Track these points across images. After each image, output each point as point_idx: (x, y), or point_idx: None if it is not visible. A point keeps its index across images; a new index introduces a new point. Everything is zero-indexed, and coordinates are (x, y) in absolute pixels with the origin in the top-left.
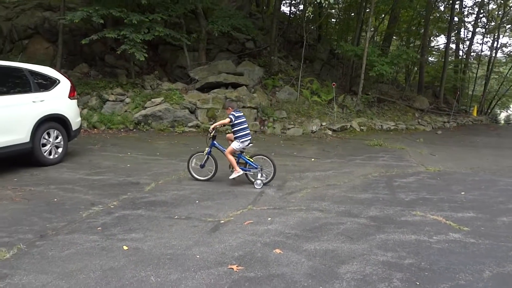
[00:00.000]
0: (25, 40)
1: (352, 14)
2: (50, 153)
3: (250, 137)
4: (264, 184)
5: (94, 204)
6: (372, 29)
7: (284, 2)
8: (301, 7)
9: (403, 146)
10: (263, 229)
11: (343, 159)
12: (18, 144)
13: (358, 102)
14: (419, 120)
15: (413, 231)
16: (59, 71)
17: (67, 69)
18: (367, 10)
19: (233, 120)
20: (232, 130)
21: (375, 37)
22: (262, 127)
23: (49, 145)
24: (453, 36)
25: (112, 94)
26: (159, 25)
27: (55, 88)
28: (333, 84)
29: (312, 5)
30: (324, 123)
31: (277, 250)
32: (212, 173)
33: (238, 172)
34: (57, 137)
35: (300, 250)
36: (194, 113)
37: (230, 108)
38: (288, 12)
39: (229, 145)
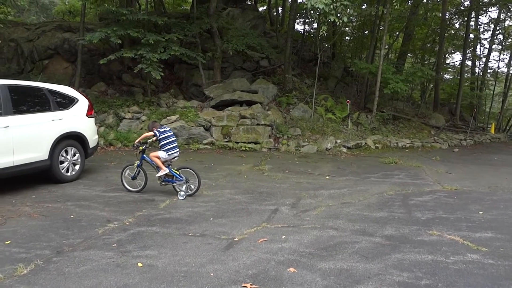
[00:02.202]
0: (45, 60)
1: (366, 32)
2: (67, 170)
3: (177, 150)
4: (189, 195)
5: (109, 220)
6: (386, 46)
7: (298, 20)
8: (315, 25)
9: (419, 164)
10: (277, 247)
11: (358, 177)
12: (37, 161)
13: (372, 119)
14: (435, 137)
15: (429, 251)
16: (77, 90)
17: (85, 88)
18: (381, 28)
19: (158, 135)
20: (159, 144)
21: (390, 55)
22: (276, 145)
23: (66, 162)
24: (469, 53)
25: (129, 112)
26: (175, 45)
27: (73, 106)
28: (348, 102)
29: (326, 24)
30: (338, 141)
31: (291, 269)
32: (142, 185)
33: (164, 170)
34: (74, 155)
35: (315, 269)
36: (209, 131)
37: (154, 128)
38: (302, 31)
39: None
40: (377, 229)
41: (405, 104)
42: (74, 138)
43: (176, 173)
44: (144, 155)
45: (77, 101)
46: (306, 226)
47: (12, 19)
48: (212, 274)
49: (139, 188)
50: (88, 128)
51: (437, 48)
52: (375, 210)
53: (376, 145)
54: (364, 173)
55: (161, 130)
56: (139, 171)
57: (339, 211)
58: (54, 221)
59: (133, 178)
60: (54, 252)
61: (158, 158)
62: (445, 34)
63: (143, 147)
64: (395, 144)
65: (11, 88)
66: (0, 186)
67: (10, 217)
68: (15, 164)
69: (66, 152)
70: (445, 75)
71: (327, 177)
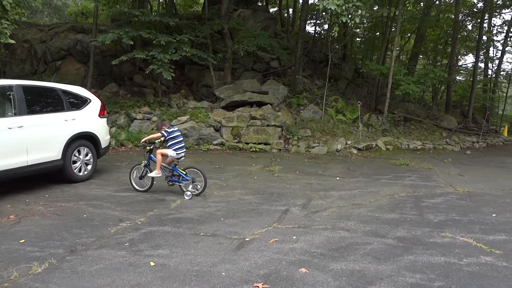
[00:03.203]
0: (58, 61)
1: (377, 33)
2: (80, 170)
3: (184, 151)
4: (196, 195)
5: (122, 220)
6: (398, 48)
7: (309, 22)
8: (326, 26)
9: (431, 166)
10: (289, 248)
11: (368, 178)
12: (51, 161)
13: (384, 121)
14: (447, 139)
15: (442, 253)
16: (90, 90)
17: (97, 89)
18: (393, 29)
19: (166, 135)
20: (167, 144)
21: (401, 56)
22: (286, 145)
23: (79, 162)
24: (481, 55)
25: (140, 112)
26: (186, 46)
27: (86, 107)
28: (358, 103)
29: (337, 25)
30: (349, 142)
31: (303, 269)
32: (149, 185)
33: (158, 173)
34: (87, 155)
35: (326, 270)
36: (219, 131)
37: (163, 127)
38: (313, 32)
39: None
40: (389, 230)
41: (416, 105)
42: (86, 138)
43: (183, 173)
44: (151, 155)
45: (90, 101)
46: (317, 227)
47: (26, 20)
48: (223, 273)
49: (147, 187)
50: (101, 129)
51: (450, 49)
52: (386, 211)
53: (387, 146)
54: (375, 174)
55: (169, 130)
56: (147, 171)
57: (350, 212)
58: (67, 220)
59: (141, 177)
60: (67, 251)
61: (166, 156)
62: (458, 36)
63: (151, 147)
64: (406, 146)
65: (25, 88)
66: (14, 186)
67: (24, 216)
68: (29, 164)
69: (79, 152)
70: (457, 77)
71: (338, 178)
